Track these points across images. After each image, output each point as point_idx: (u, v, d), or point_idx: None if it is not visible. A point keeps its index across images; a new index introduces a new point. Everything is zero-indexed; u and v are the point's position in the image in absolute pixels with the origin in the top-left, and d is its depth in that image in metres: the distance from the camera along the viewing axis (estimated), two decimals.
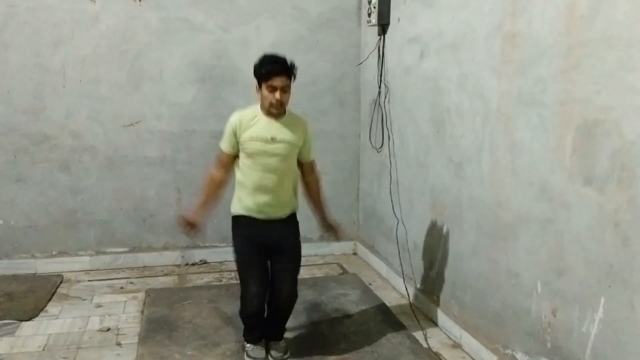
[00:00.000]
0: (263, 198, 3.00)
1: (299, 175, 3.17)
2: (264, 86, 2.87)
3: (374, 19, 4.28)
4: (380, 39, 4.35)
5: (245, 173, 3.01)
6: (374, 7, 4.25)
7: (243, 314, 3.16)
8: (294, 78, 2.93)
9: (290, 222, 3.14)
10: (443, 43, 3.46)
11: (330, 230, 3.30)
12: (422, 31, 3.73)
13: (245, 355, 3.18)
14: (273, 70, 2.83)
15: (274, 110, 2.92)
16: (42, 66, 4.30)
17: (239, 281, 3.14)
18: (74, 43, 4.33)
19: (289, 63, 2.87)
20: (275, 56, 2.91)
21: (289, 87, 2.90)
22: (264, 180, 2.97)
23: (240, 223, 3.09)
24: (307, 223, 3.47)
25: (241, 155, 3.01)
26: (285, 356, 3.18)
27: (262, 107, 2.96)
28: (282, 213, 3.07)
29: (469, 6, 3.16)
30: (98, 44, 4.37)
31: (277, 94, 2.85)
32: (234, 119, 2.99)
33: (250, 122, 2.95)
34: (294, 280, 3.12)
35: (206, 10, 4.53)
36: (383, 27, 4.29)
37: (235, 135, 2.96)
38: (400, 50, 4.07)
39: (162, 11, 4.44)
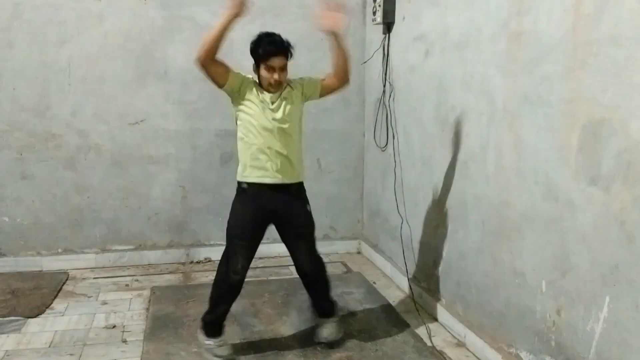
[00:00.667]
0: (270, 160, 2.95)
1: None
2: (262, 66, 2.91)
3: (378, 17, 4.28)
4: (385, 37, 4.35)
5: (249, 137, 2.96)
6: (379, 6, 4.25)
7: (217, 284, 3.11)
8: (291, 56, 2.95)
9: (299, 193, 3.11)
10: (448, 42, 3.46)
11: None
12: (428, 30, 3.72)
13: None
14: (271, 51, 2.86)
15: (272, 90, 2.96)
16: (48, 64, 4.32)
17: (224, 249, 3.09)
18: (79, 41, 4.34)
19: (285, 43, 2.91)
20: (272, 36, 2.93)
21: (286, 65, 2.94)
22: (269, 142, 2.94)
23: (247, 193, 3.03)
24: None
25: (242, 117, 2.99)
26: (338, 336, 3.22)
27: (260, 84, 3.00)
28: (289, 177, 3.01)
29: (475, 5, 3.15)
30: (103, 43, 4.39)
31: (276, 75, 2.90)
32: (247, 75, 3.00)
33: (255, 84, 2.98)
34: (312, 247, 3.12)
35: (211, 8, 4.52)
36: (388, 25, 4.29)
37: (241, 82, 2.96)
38: (405, 48, 4.07)
39: (167, 9, 4.45)
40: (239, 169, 3.05)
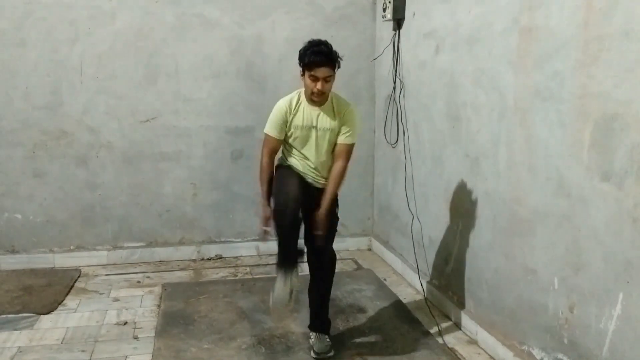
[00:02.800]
0: (304, 167, 3.11)
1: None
2: (306, 74, 2.94)
3: (389, 13, 4.26)
4: (395, 33, 4.34)
5: (288, 151, 3.14)
6: (389, 2, 4.23)
7: (277, 217, 2.94)
8: (338, 66, 2.99)
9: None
10: (459, 37, 3.44)
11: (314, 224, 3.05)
12: (438, 26, 3.71)
13: (271, 291, 3.03)
14: (315, 61, 2.88)
15: (315, 99, 2.98)
16: (60, 62, 4.35)
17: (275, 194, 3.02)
18: (90, 39, 4.37)
19: (332, 54, 2.93)
20: (319, 46, 2.94)
21: (331, 76, 2.96)
22: (303, 159, 3.10)
23: (286, 167, 3.16)
24: None
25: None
26: (329, 354, 3.16)
27: (305, 93, 3.04)
28: (319, 185, 3.14)
29: (485, 0, 3.13)
30: (114, 41, 4.41)
31: (319, 85, 2.92)
32: (284, 105, 3.05)
33: (296, 108, 3.04)
34: (331, 234, 3.13)
35: (221, 6, 4.54)
36: (398, 21, 4.28)
37: (285, 121, 3.03)
38: (416, 45, 4.05)
39: (177, 7, 4.46)
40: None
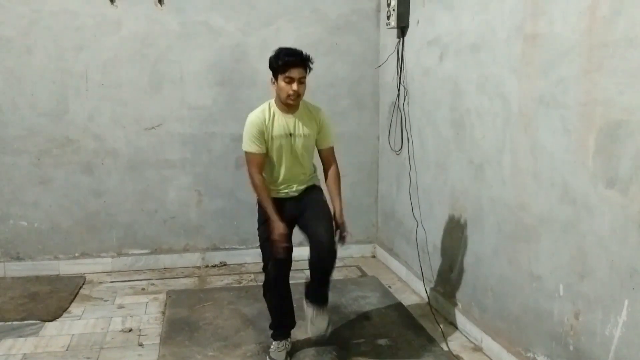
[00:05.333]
0: (283, 184, 3.11)
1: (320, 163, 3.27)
2: (280, 78, 2.93)
3: (393, 21, 4.27)
4: (399, 41, 4.35)
5: (265, 174, 3.12)
6: (393, 10, 4.24)
7: (267, 286, 3.13)
8: (310, 70, 2.99)
9: (312, 187, 3.21)
10: (463, 45, 3.45)
11: (337, 227, 3.12)
12: (442, 33, 3.72)
13: (267, 356, 3.18)
14: (290, 61, 2.89)
15: (290, 102, 2.97)
16: (65, 70, 4.37)
17: (262, 262, 3.16)
18: (96, 47, 4.39)
19: (304, 55, 2.94)
20: (290, 48, 2.97)
21: (304, 78, 2.96)
22: (282, 170, 3.08)
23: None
24: None
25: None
26: (328, 326, 3.15)
27: (277, 100, 3.04)
28: (305, 185, 3.17)
29: (489, 8, 3.14)
30: (120, 48, 4.43)
31: (295, 85, 2.91)
32: (257, 118, 3.03)
33: (271, 119, 3.03)
34: (330, 233, 3.04)
35: (226, 14, 4.56)
36: (402, 29, 4.29)
37: (263, 132, 3.02)
38: (420, 52, 4.07)
39: (182, 15, 4.49)
40: None
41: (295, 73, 2.90)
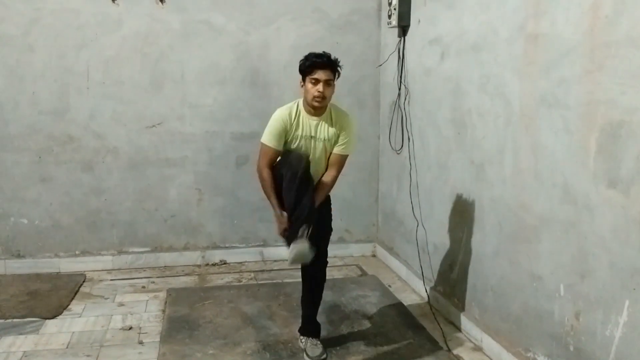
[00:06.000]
0: None
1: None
2: (307, 79, 2.95)
3: (394, 20, 4.27)
4: (400, 40, 4.35)
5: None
6: (394, 9, 4.25)
7: (290, 173, 2.92)
8: (338, 75, 3.01)
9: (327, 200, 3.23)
10: (464, 44, 3.45)
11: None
12: (443, 32, 3.72)
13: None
14: (316, 63, 2.91)
15: (316, 104, 2.97)
16: (67, 68, 4.37)
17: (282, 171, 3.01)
18: (97, 45, 4.39)
19: (332, 58, 2.96)
20: (319, 52, 2.99)
21: (332, 81, 2.97)
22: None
23: None
24: None
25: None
26: (322, 357, 3.17)
27: (304, 102, 3.04)
28: None
29: (491, 7, 3.14)
30: (121, 47, 4.43)
31: (320, 87, 2.93)
32: (283, 114, 3.04)
33: (296, 118, 3.04)
34: (324, 249, 3.12)
35: (227, 12, 4.56)
36: (403, 28, 4.29)
37: (286, 131, 3.03)
38: (421, 51, 4.07)
39: (184, 14, 4.49)
40: None
41: (321, 75, 2.92)
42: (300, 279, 3.30)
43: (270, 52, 4.67)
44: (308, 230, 2.88)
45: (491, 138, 3.19)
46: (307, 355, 3.18)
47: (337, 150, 3.13)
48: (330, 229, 3.30)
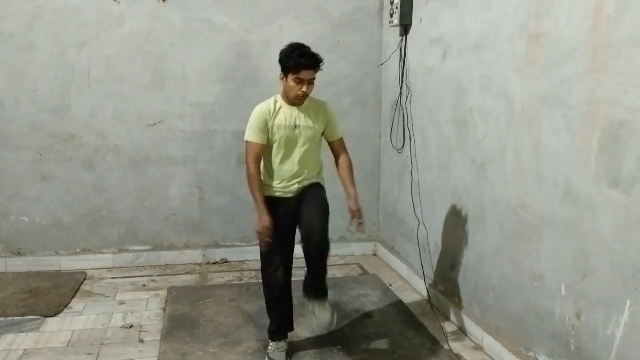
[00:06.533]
0: (287, 180, 3.06)
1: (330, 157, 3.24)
2: (290, 77, 2.93)
3: (395, 19, 4.27)
4: (402, 39, 4.34)
5: (269, 158, 3.08)
6: (396, 8, 4.24)
7: (267, 292, 3.14)
8: (320, 70, 2.99)
9: (315, 183, 3.15)
10: (466, 43, 3.45)
11: (353, 215, 3.07)
12: (445, 31, 3.71)
13: (266, 356, 3.18)
14: (302, 63, 2.88)
15: (298, 101, 3.00)
16: (68, 66, 4.37)
17: (260, 268, 3.13)
18: (98, 43, 4.39)
19: (317, 56, 2.93)
20: (303, 48, 2.94)
21: (314, 79, 2.97)
22: (288, 164, 3.05)
23: (269, 205, 3.05)
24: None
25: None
26: (332, 318, 3.12)
27: (283, 95, 3.04)
28: (308, 183, 3.12)
29: (493, 6, 3.14)
30: (122, 44, 4.43)
31: (304, 87, 2.92)
32: (263, 108, 3.04)
33: (275, 111, 3.03)
34: (323, 222, 2.99)
35: (229, 11, 4.56)
36: (405, 27, 4.28)
37: (266, 123, 3.01)
38: (422, 50, 4.06)
39: (185, 12, 4.48)
40: None
41: (305, 75, 2.90)
42: (300, 279, 3.29)
43: (271, 51, 4.62)
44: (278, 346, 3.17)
45: (493, 137, 3.19)
46: (316, 320, 3.13)
47: (333, 137, 3.17)
48: (327, 207, 3.09)
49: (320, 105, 3.13)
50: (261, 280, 3.24)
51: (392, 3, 4.32)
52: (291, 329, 3.29)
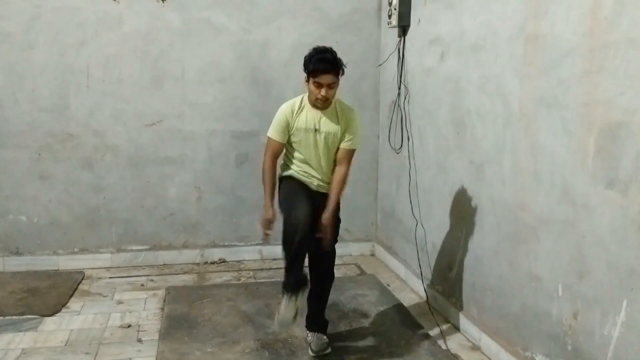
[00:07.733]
0: (307, 177, 3.15)
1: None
2: (311, 81, 2.98)
3: (394, 20, 4.28)
4: (400, 40, 4.35)
5: (290, 156, 3.17)
6: (395, 9, 4.25)
7: (286, 240, 2.94)
8: (342, 73, 3.02)
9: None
10: (464, 44, 3.46)
11: (321, 228, 3.04)
12: (443, 33, 3.72)
13: (276, 312, 3.07)
14: (320, 68, 2.92)
15: (319, 104, 3.04)
16: (67, 66, 4.37)
17: (282, 217, 3.02)
18: (98, 43, 4.39)
19: (336, 61, 2.96)
20: (323, 53, 2.98)
21: (335, 83, 3.00)
22: (306, 166, 3.13)
23: (290, 178, 3.17)
24: None
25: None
26: (326, 352, 3.19)
27: (309, 98, 3.08)
28: (324, 190, 3.17)
29: (491, 8, 3.15)
30: (121, 44, 4.43)
31: (323, 91, 2.96)
32: (287, 108, 3.10)
33: (299, 111, 3.08)
34: (332, 241, 3.12)
35: (228, 11, 4.56)
36: (403, 28, 4.29)
37: (288, 123, 3.07)
38: (421, 51, 4.07)
39: (184, 12, 4.49)
40: (279, 169, 3.28)
41: (324, 79, 2.94)
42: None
43: (270, 51, 4.67)
44: (296, 300, 2.99)
45: (490, 138, 3.20)
46: (311, 349, 3.20)
47: (344, 145, 3.14)
48: (338, 220, 3.21)
49: (346, 112, 3.15)
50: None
51: (390, 4, 4.33)
52: (305, 282, 3.10)
